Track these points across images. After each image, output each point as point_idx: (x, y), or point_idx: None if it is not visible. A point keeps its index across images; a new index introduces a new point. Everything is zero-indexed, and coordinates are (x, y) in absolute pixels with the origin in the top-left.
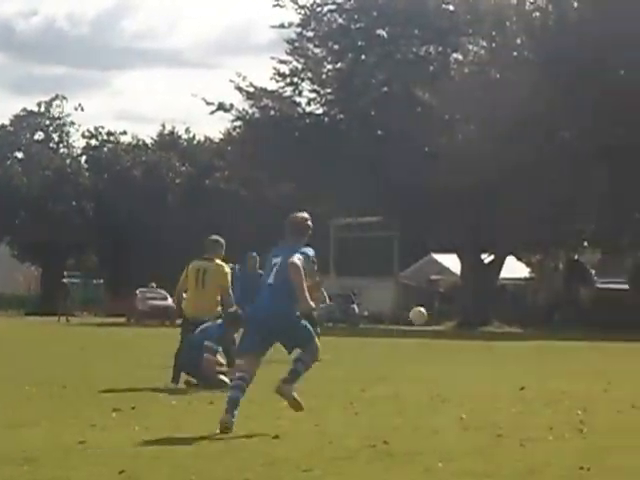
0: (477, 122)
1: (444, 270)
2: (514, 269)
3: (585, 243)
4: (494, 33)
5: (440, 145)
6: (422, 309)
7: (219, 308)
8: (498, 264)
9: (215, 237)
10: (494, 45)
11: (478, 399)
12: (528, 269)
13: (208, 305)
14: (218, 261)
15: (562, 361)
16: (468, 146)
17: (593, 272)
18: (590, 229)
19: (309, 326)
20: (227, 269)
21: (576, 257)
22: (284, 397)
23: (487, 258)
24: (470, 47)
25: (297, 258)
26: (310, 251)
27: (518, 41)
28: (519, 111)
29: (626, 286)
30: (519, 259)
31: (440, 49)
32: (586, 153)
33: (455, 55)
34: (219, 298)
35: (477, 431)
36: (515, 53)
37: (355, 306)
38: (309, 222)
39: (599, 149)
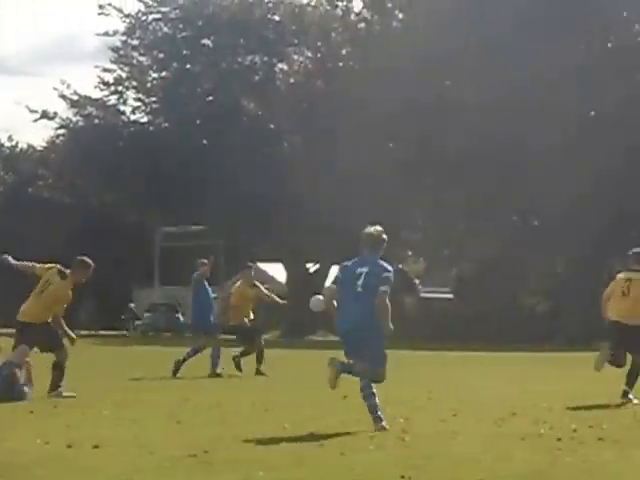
0: (303, 132)
1: (270, 279)
2: None
3: (409, 252)
4: (319, 44)
5: (265, 154)
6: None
7: None
8: (323, 273)
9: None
10: (319, 55)
11: (301, 407)
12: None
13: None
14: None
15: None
16: (294, 156)
17: (417, 281)
18: (415, 239)
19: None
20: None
21: (400, 266)
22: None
23: (312, 267)
24: (296, 57)
25: (387, 287)
26: (390, 266)
27: (343, 52)
28: (342, 120)
29: (450, 295)
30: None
31: (266, 59)
32: (404, 163)
33: (281, 65)
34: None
35: (299, 440)
36: (340, 63)
37: (180, 315)
38: (384, 235)
39: (419, 161)
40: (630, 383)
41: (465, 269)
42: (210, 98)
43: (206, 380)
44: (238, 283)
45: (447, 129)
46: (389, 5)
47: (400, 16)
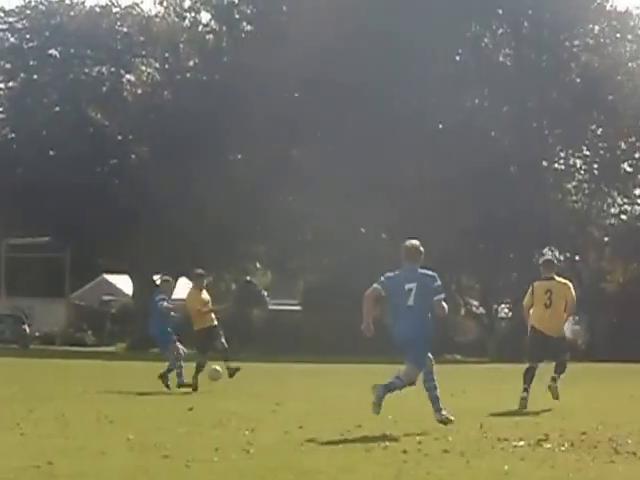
0: (149, 143)
1: (116, 291)
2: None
3: (257, 264)
4: (167, 55)
5: (112, 166)
6: (217, 367)
7: None
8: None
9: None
10: (167, 66)
11: (146, 419)
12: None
13: None
14: None
15: (233, 381)
16: (141, 166)
17: (265, 293)
18: (261, 250)
19: (428, 353)
20: None
21: (248, 278)
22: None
23: (158, 279)
24: (143, 68)
25: (442, 294)
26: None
27: (191, 63)
28: (190, 132)
29: (298, 307)
30: (191, 279)
31: (113, 70)
32: (246, 175)
33: (128, 76)
34: None
35: (143, 452)
36: (188, 74)
37: (26, 327)
38: (421, 248)
39: (264, 173)
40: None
41: (311, 280)
42: (57, 109)
43: (52, 392)
44: (188, 292)
45: (293, 145)
46: (237, 17)
47: (248, 28)
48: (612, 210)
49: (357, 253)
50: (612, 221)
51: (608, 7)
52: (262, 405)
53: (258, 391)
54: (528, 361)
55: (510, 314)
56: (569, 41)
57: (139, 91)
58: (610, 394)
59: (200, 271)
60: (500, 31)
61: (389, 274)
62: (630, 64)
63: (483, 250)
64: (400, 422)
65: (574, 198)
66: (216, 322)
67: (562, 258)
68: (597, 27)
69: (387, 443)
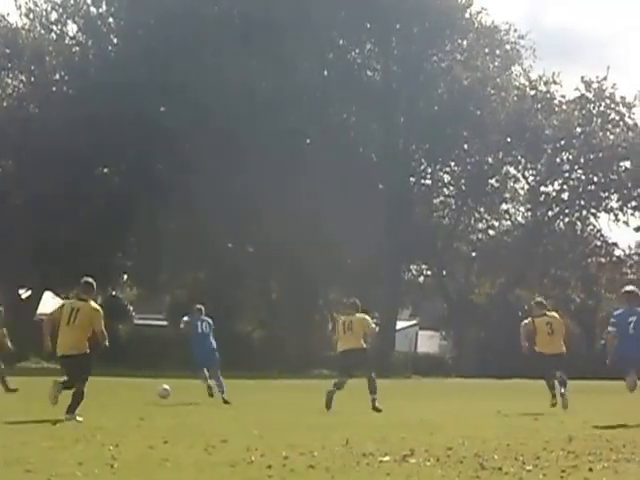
0: (14, 156)
1: None
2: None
3: (125, 277)
4: (33, 67)
5: None
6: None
7: None
8: (36, 299)
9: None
10: (33, 79)
11: (10, 434)
12: None
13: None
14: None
15: (98, 396)
16: (5, 179)
17: (131, 308)
18: (128, 264)
19: None
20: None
21: (114, 293)
22: None
23: (24, 293)
24: (9, 81)
25: None
26: None
27: (57, 76)
28: (55, 145)
29: (164, 322)
30: (57, 294)
31: None
32: (116, 187)
33: None
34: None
35: (7, 466)
36: (54, 88)
37: None
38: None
39: (131, 186)
40: None
41: (178, 295)
42: None
43: None
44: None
45: (157, 159)
46: (104, 30)
47: (115, 40)
48: (479, 225)
49: (224, 268)
50: (479, 236)
51: (476, 23)
52: (127, 420)
53: (121, 406)
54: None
55: (377, 329)
56: (437, 56)
57: (4, 104)
58: (477, 409)
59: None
60: (368, 46)
61: (619, 311)
62: (498, 79)
63: (350, 264)
64: (266, 437)
65: (441, 213)
66: None
67: (429, 273)
68: (466, 42)
69: (253, 458)
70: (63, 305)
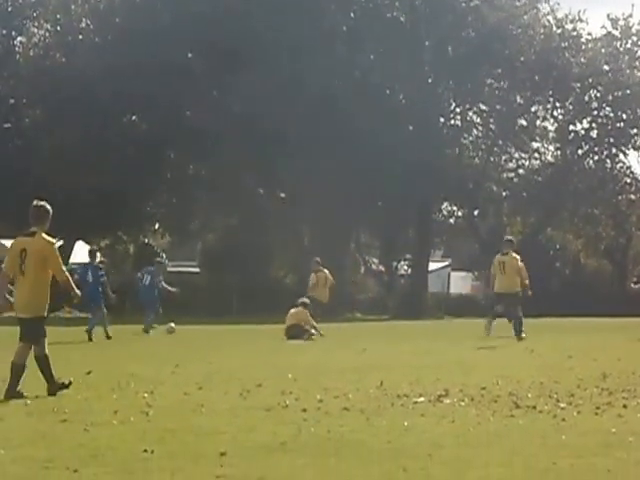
0: (43, 105)
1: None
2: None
3: (157, 226)
4: (59, 16)
5: (6, 129)
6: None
7: None
8: (68, 248)
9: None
10: (59, 28)
11: (44, 384)
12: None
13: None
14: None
15: (131, 343)
16: (35, 129)
17: (164, 255)
18: (160, 213)
19: None
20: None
21: (147, 240)
22: None
23: (57, 243)
24: (35, 30)
25: None
26: None
27: (83, 24)
28: (83, 94)
29: (197, 269)
30: (87, 243)
31: (4, 32)
32: (146, 136)
33: (20, 38)
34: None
35: (41, 416)
36: (80, 36)
37: None
38: None
39: (161, 134)
40: None
41: (210, 242)
42: None
43: None
44: None
45: (189, 107)
46: None
47: None
48: (509, 165)
49: (255, 214)
50: (509, 175)
51: None
52: (161, 367)
53: (157, 353)
54: None
55: (410, 271)
56: None
57: (30, 53)
58: (510, 349)
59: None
60: None
61: None
62: (525, 17)
63: (381, 207)
64: (300, 380)
65: (471, 154)
66: None
67: (460, 214)
68: None
69: (287, 402)
70: (11, 246)
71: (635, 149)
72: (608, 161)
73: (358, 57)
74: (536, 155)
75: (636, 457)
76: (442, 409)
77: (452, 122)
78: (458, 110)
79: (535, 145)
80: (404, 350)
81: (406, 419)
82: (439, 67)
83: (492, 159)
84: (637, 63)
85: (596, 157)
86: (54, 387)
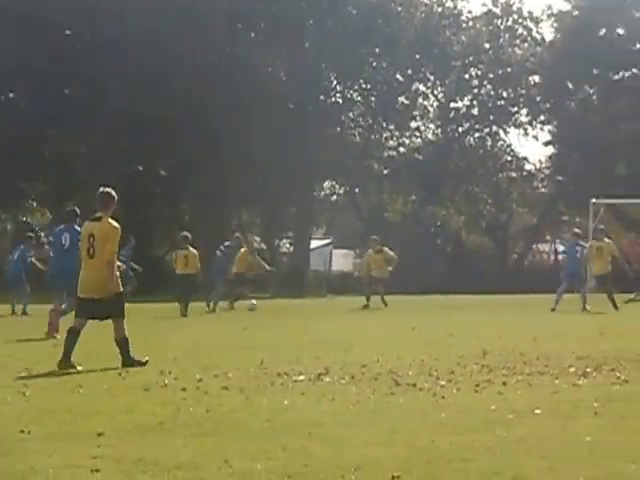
0: None
1: None
2: None
3: (34, 204)
4: None
5: None
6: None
7: None
8: None
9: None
10: None
11: None
12: None
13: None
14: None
15: (9, 324)
16: None
17: (42, 234)
18: (38, 190)
19: None
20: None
21: (25, 219)
22: None
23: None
24: None
25: None
26: None
27: None
28: None
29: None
30: None
31: None
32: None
33: None
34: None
35: None
36: None
37: None
38: None
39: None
40: None
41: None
42: None
43: None
44: None
45: (69, 84)
46: None
47: None
48: (390, 143)
49: (135, 191)
50: (391, 153)
51: None
52: (39, 347)
53: (35, 333)
54: None
55: (291, 249)
56: None
57: None
58: (392, 326)
59: None
60: None
61: None
62: None
63: (262, 185)
64: (180, 360)
65: (352, 132)
66: None
67: (342, 192)
68: None
69: (166, 381)
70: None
71: (516, 127)
72: (489, 139)
73: (239, 35)
74: (417, 133)
75: (516, 434)
76: (322, 387)
77: (333, 100)
78: (339, 88)
79: (416, 123)
80: (285, 328)
81: (286, 398)
82: (319, 44)
83: (373, 137)
84: (518, 41)
85: (477, 135)
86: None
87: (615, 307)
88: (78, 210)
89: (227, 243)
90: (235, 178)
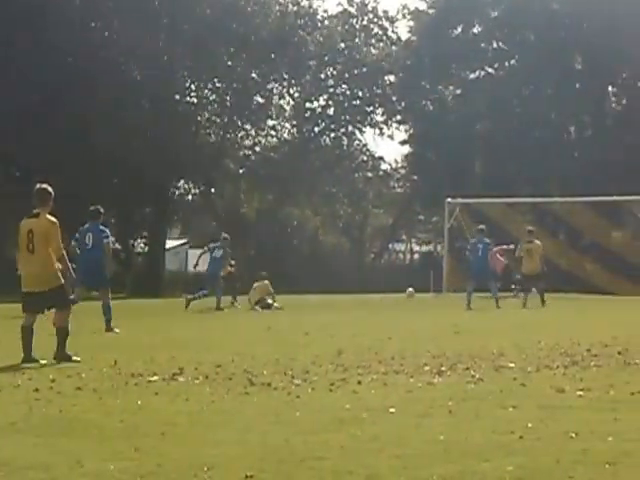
0: None
1: None
2: None
3: None
4: None
5: None
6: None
7: None
8: None
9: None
10: None
11: None
12: None
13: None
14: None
15: None
16: None
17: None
18: None
19: None
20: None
21: None
22: None
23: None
24: None
25: None
26: None
27: None
28: None
29: None
30: None
31: None
32: None
33: None
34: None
35: None
36: None
37: None
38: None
39: None
40: None
41: None
42: None
43: None
44: None
45: None
46: None
47: None
48: (246, 142)
49: None
50: (246, 153)
51: None
52: None
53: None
54: None
55: (147, 249)
56: None
57: None
58: (248, 326)
59: None
60: None
61: None
62: None
63: (117, 184)
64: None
65: (208, 131)
66: None
67: (197, 191)
68: None
69: (19, 382)
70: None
71: (371, 127)
72: (345, 139)
73: (93, 33)
74: (273, 132)
75: (370, 433)
76: (176, 387)
77: (188, 99)
78: (194, 87)
79: (272, 122)
80: (139, 328)
81: (140, 398)
82: (174, 43)
83: (229, 136)
84: (373, 41)
85: (333, 135)
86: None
87: (543, 303)
88: (102, 209)
89: (212, 245)
90: (90, 178)
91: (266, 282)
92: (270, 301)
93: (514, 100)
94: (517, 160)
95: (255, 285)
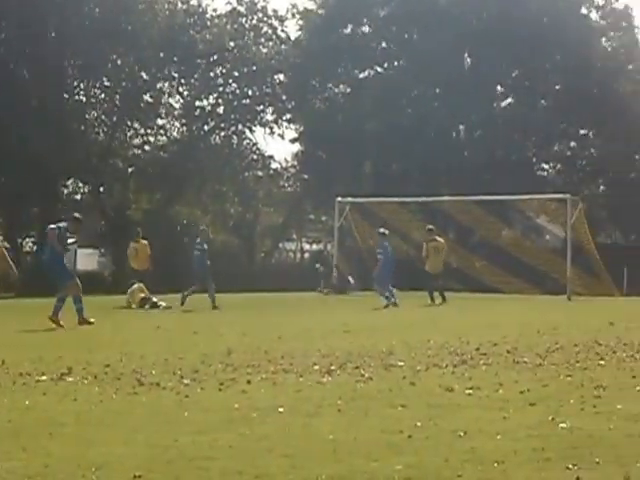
0: None
1: None
2: None
3: None
4: None
5: None
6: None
7: None
8: None
9: None
10: None
11: None
12: None
13: None
14: None
15: None
16: None
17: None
18: None
19: None
20: None
21: None
22: None
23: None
24: None
25: None
26: None
27: None
28: None
29: None
30: None
31: None
32: None
33: None
34: None
35: None
36: None
37: None
38: None
39: None
40: None
41: None
42: None
43: None
44: None
45: None
46: None
47: None
48: (135, 141)
49: None
50: (135, 152)
51: None
52: None
53: None
54: None
55: (35, 248)
56: None
57: None
58: (137, 326)
59: None
60: None
61: None
62: None
63: (4, 183)
64: None
65: (96, 130)
66: None
67: (86, 190)
68: None
69: None
70: None
71: (261, 125)
72: (235, 137)
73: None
74: (162, 131)
75: (258, 432)
76: (64, 387)
77: (76, 98)
78: (82, 86)
79: (161, 121)
80: (26, 328)
81: (27, 398)
82: (62, 41)
83: (117, 135)
84: (262, 39)
85: (222, 133)
86: None
87: (443, 299)
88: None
89: (198, 240)
90: None
91: (139, 285)
92: (155, 299)
93: (403, 99)
94: (407, 159)
95: (130, 290)
